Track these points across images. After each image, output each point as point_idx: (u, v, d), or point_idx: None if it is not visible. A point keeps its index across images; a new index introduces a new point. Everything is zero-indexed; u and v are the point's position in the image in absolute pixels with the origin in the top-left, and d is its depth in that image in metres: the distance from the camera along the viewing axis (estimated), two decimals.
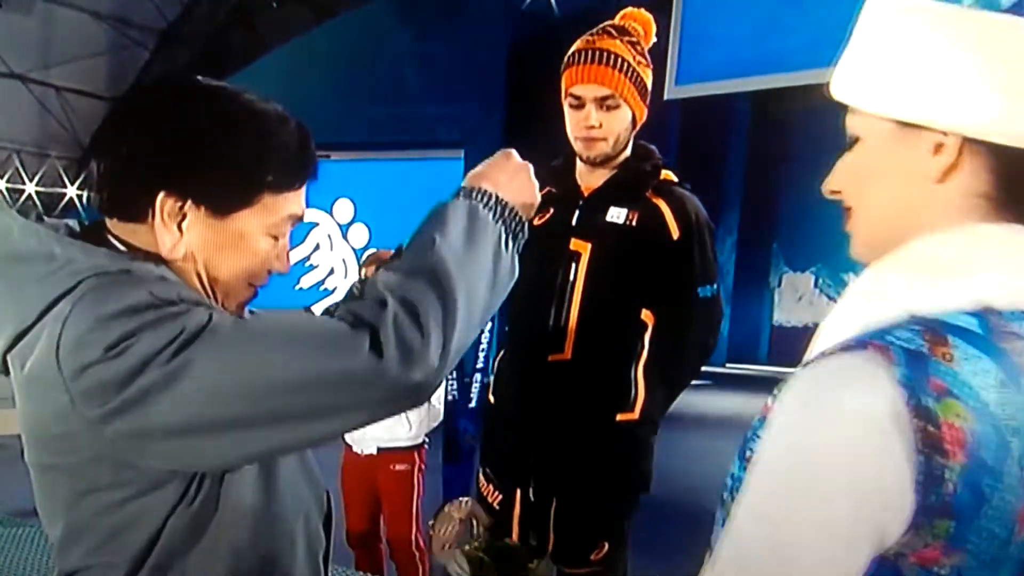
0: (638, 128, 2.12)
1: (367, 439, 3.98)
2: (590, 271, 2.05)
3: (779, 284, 21.59)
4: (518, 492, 2.15)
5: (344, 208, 12.99)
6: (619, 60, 1.99)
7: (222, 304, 1.10)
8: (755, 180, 20.13)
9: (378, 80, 13.35)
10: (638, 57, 2.05)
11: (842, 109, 0.94)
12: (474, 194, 1.09)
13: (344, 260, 12.98)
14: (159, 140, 1.04)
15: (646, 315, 2.08)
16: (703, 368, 2.20)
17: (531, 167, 1.16)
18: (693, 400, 11.48)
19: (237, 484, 1.05)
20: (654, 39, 2.12)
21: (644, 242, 2.05)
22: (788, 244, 21.20)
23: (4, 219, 1.02)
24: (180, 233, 1.04)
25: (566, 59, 2.05)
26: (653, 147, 2.17)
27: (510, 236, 1.08)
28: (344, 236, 13.02)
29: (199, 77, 1.10)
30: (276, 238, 1.11)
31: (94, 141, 1.07)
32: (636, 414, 2.05)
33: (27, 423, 1.02)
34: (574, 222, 2.12)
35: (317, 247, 12.99)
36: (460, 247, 1.02)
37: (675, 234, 2.05)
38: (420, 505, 4.07)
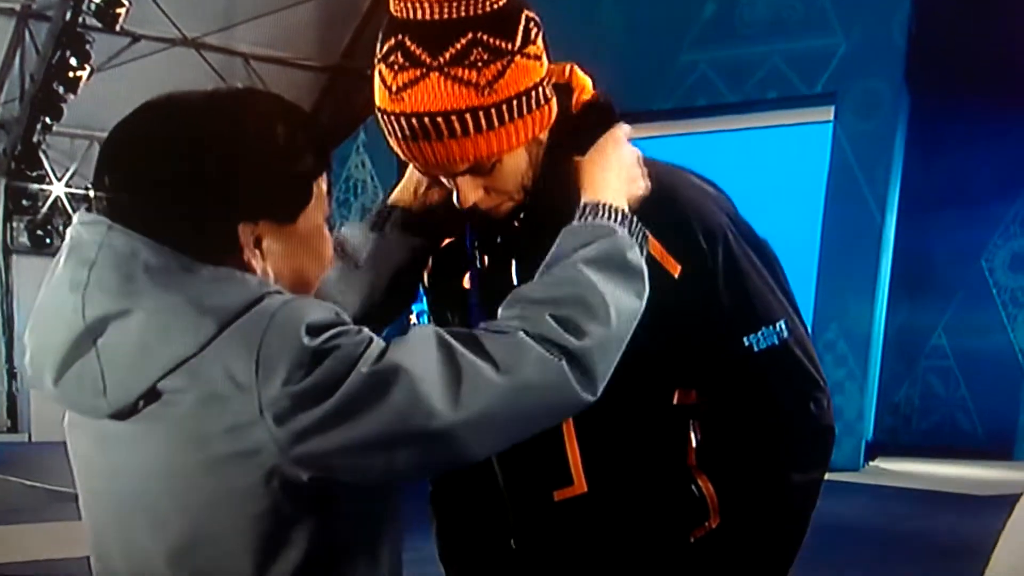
0: (548, 128, 1.45)
1: None
2: None
3: None
4: None
5: None
6: (460, 120, 1.35)
7: None
8: None
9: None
10: (491, 68, 1.36)
11: None
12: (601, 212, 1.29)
13: None
14: (220, 171, 1.09)
15: (684, 396, 1.63)
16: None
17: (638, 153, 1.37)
18: None
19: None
20: None
21: None
22: None
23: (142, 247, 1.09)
24: (263, 256, 1.13)
25: (376, 105, 1.43)
26: (608, 102, 1.52)
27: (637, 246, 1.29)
28: None
29: (212, 90, 1.15)
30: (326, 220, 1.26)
31: (124, 175, 1.11)
32: (714, 519, 1.62)
33: (171, 450, 1.08)
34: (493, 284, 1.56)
35: None
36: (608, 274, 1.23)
37: (674, 269, 1.51)
38: None
